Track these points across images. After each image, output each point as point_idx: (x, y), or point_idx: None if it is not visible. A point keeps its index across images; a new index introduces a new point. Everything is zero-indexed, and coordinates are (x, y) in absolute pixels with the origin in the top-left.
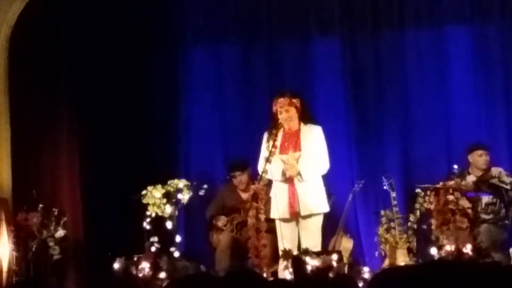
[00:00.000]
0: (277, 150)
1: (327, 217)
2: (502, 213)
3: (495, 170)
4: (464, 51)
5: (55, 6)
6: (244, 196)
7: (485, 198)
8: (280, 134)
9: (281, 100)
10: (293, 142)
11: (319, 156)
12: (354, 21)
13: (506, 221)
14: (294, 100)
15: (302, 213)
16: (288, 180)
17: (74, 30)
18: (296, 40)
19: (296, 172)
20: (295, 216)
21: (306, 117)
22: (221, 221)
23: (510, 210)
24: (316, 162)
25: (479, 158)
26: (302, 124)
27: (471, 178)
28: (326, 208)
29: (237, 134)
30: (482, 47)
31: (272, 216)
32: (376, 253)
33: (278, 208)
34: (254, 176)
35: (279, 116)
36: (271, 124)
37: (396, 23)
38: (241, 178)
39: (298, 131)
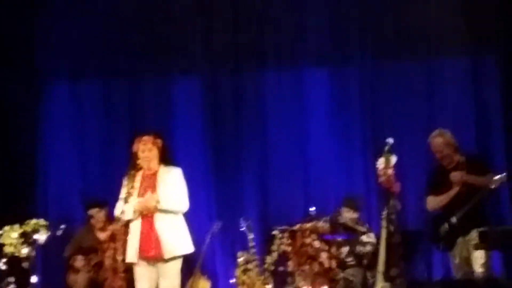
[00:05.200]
0: (136, 192)
1: (185, 258)
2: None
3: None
4: (323, 93)
5: None
6: (101, 236)
7: (346, 250)
8: (139, 176)
9: (145, 138)
10: (151, 184)
11: (177, 195)
12: (215, 60)
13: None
14: (157, 140)
15: (166, 256)
16: (146, 219)
17: None
18: (157, 78)
19: (155, 201)
20: (150, 259)
21: (166, 158)
22: (78, 261)
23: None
24: (174, 200)
25: (343, 213)
26: (162, 165)
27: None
28: (190, 248)
29: (97, 174)
30: (341, 90)
31: (127, 259)
32: None
33: (132, 250)
34: (112, 216)
35: (141, 155)
36: (130, 164)
37: (257, 63)
38: (98, 216)
39: (156, 173)
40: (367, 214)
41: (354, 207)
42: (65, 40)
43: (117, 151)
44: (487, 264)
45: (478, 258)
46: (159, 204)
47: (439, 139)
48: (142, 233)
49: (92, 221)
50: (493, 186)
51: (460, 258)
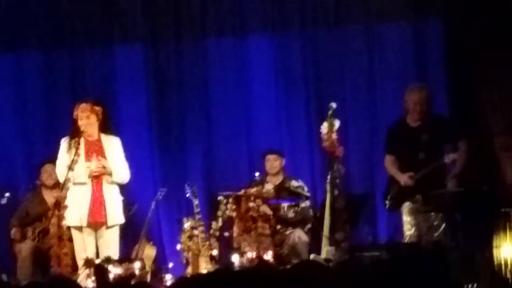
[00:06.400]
0: (80, 158)
1: (130, 225)
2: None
3: (295, 183)
4: (265, 59)
5: None
6: (50, 197)
7: (285, 203)
8: (82, 142)
9: (83, 105)
10: (97, 150)
11: (122, 167)
12: (156, 28)
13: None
14: (96, 108)
15: (110, 223)
16: (96, 184)
17: None
18: (98, 45)
19: (109, 171)
20: (97, 225)
21: (106, 127)
22: (13, 232)
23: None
24: (120, 171)
25: (266, 163)
26: (101, 134)
27: (270, 186)
28: (123, 218)
29: (40, 141)
30: (283, 56)
31: (69, 223)
32: (180, 261)
33: (80, 214)
34: None
35: (79, 122)
36: (72, 131)
37: (198, 30)
38: (53, 173)
39: (99, 140)
40: (311, 179)
41: (280, 153)
42: (3, 9)
43: (60, 119)
44: (442, 228)
45: (432, 222)
46: (111, 176)
47: (422, 93)
48: (92, 198)
49: (43, 176)
50: (446, 161)
51: (415, 223)
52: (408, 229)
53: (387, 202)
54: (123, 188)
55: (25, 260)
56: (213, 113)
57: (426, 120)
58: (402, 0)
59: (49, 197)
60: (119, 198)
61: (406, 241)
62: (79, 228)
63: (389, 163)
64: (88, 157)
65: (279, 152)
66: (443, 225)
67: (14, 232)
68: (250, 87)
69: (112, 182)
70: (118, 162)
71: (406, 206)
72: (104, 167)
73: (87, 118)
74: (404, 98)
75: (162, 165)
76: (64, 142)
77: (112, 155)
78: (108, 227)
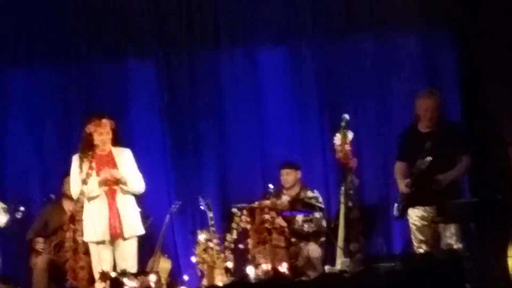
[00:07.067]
0: (94, 172)
1: (145, 238)
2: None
3: (310, 193)
4: (278, 71)
5: None
6: (70, 207)
7: (300, 216)
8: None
9: (104, 121)
10: (109, 163)
11: (135, 176)
12: (169, 42)
13: (322, 239)
14: (112, 122)
15: (126, 235)
16: (110, 196)
17: None
18: (112, 61)
19: (120, 175)
20: (116, 237)
21: (117, 140)
22: (40, 244)
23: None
24: (135, 180)
25: (281, 177)
26: (112, 147)
27: (285, 198)
28: (143, 230)
29: (54, 156)
30: (296, 68)
31: (88, 238)
32: (195, 273)
33: (96, 229)
34: None
35: (97, 138)
36: (83, 145)
37: (211, 44)
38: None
39: (110, 153)
40: (325, 190)
41: (294, 166)
42: (20, 25)
43: (74, 133)
44: (456, 237)
45: (446, 231)
46: (126, 185)
47: (432, 99)
48: (109, 211)
49: (66, 187)
50: (422, 167)
51: (424, 232)
52: (417, 238)
53: (394, 210)
54: (138, 201)
55: (41, 273)
56: (227, 125)
57: (436, 127)
58: (412, 9)
59: (69, 206)
60: (136, 209)
61: (415, 250)
62: (96, 242)
63: (396, 169)
64: (99, 171)
65: (293, 165)
66: (457, 235)
67: (38, 242)
68: (263, 99)
69: (128, 192)
70: (132, 172)
71: (414, 214)
72: (115, 176)
73: (107, 133)
74: (415, 105)
75: (177, 178)
76: (76, 158)
77: (125, 166)
78: (125, 239)
